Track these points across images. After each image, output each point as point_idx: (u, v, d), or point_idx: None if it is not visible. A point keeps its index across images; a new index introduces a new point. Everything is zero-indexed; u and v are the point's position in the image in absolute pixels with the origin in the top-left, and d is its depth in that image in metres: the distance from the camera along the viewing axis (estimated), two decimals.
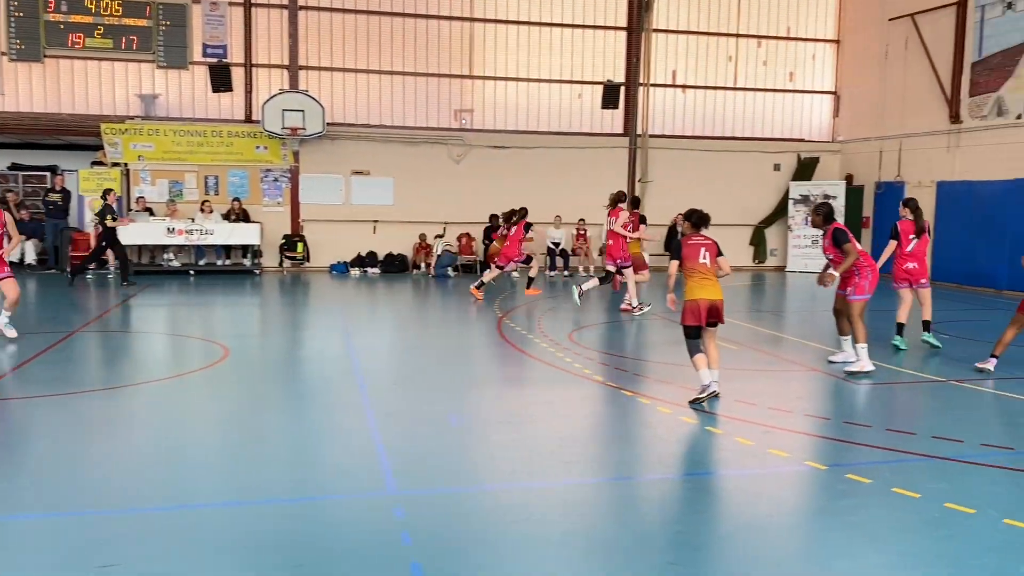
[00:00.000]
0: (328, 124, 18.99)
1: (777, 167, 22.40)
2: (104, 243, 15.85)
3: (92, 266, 16.60)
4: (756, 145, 22.27)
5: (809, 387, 8.58)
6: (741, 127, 22.54)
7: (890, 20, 20.43)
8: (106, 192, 15.98)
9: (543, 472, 5.60)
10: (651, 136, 21.54)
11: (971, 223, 17.84)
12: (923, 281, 10.65)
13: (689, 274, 7.55)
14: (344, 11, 19.85)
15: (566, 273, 19.63)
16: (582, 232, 20.30)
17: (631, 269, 13.36)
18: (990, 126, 17.66)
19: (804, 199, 21.43)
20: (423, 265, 19.39)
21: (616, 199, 13.31)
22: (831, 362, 9.37)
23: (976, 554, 4.31)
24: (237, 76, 19.13)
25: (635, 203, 14.50)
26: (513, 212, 15.40)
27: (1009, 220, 16.77)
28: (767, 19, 22.33)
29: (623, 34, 21.50)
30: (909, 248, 10.54)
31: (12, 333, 9.81)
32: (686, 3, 21.83)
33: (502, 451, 6.07)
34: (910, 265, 10.54)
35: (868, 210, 21.30)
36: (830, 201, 9.34)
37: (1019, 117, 16.47)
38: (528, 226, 15.22)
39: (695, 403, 7.30)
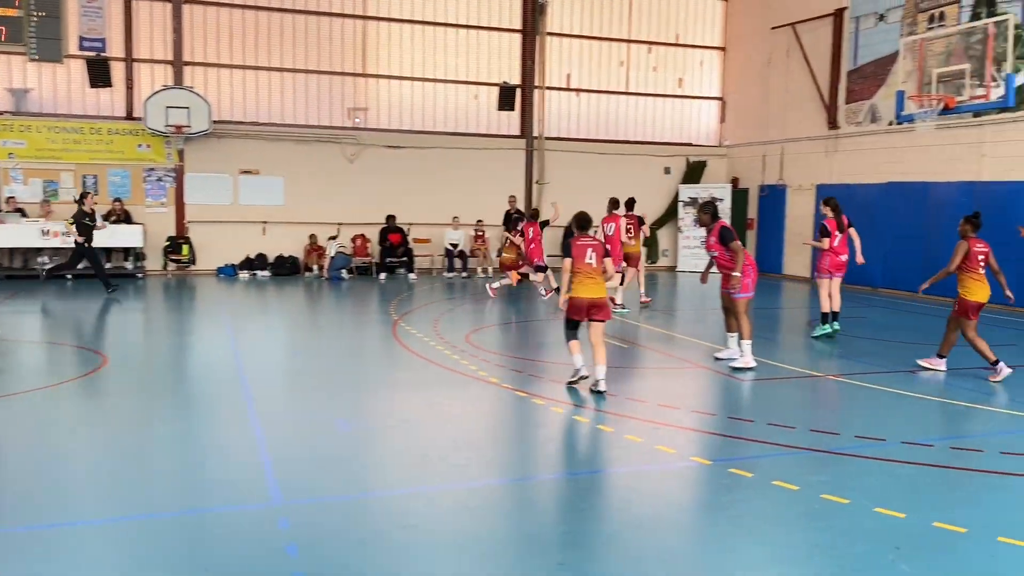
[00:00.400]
0: (215, 122, 18.35)
1: (667, 170, 22.99)
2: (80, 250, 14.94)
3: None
4: (648, 149, 22.80)
5: (697, 384, 8.80)
6: (633, 131, 23.03)
7: (772, 29, 21.28)
8: (83, 195, 14.99)
9: (434, 476, 5.54)
10: (547, 138, 21.75)
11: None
12: (842, 273, 11.50)
13: (575, 272, 7.89)
14: (231, 6, 19.23)
15: (464, 275, 19.59)
16: (480, 233, 20.31)
17: (633, 266, 14.23)
18: (865, 132, 18.60)
19: (693, 201, 22.07)
20: (315, 268, 18.99)
21: (613, 206, 14.01)
22: (717, 359, 9.63)
23: (850, 543, 4.49)
24: (117, 71, 18.26)
25: (629, 205, 14.64)
26: (521, 214, 15.80)
27: (882, 221, 17.70)
28: (657, 26, 22.90)
29: (518, 36, 21.63)
30: (836, 243, 11.32)
31: None
32: (579, 8, 22.15)
33: (393, 456, 5.98)
34: (843, 257, 11.37)
35: (753, 212, 22.11)
36: (715, 202, 9.78)
37: (891, 124, 17.40)
38: (544, 224, 15.57)
39: (570, 384, 7.97)
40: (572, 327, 8.03)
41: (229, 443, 6.23)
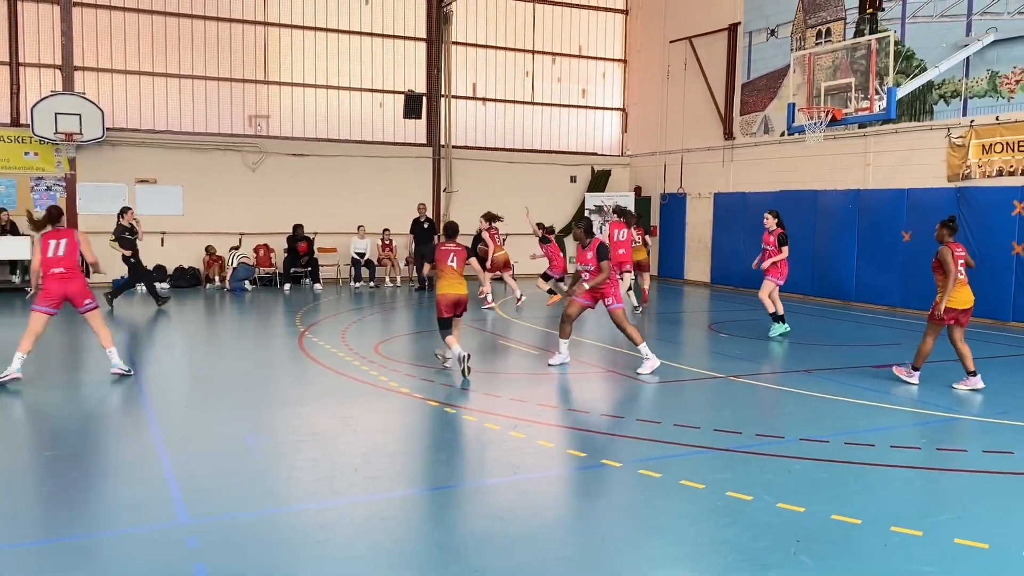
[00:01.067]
0: (109, 129, 17.65)
1: (573, 179, 23.39)
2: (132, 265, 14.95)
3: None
4: (554, 158, 23.14)
5: (605, 388, 8.97)
6: (539, 140, 23.34)
7: (671, 42, 21.93)
8: (122, 210, 14.98)
9: (346, 489, 5.48)
10: (455, 147, 21.81)
11: (744, 231, 19.44)
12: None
13: (440, 275, 9.18)
14: (125, 9, 18.57)
15: (372, 284, 19.39)
16: (387, 242, 20.15)
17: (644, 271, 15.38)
18: (758, 143, 19.37)
19: (598, 209, 22.49)
20: (217, 279, 18.47)
21: (619, 215, 14.65)
22: (551, 364, 9.66)
23: (754, 538, 4.67)
24: (1, 76, 17.37)
25: (627, 216, 15.03)
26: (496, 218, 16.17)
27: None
28: (560, 37, 23.29)
29: (423, 45, 21.63)
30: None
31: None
32: (484, 18, 22.33)
33: (303, 470, 5.88)
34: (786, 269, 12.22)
35: (655, 219, 22.70)
36: (591, 218, 10.22)
37: (783, 135, 18.17)
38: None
39: (464, 379, 8.67)
40: (445, 325, 9.18)
41: (130, 461, 6.01)
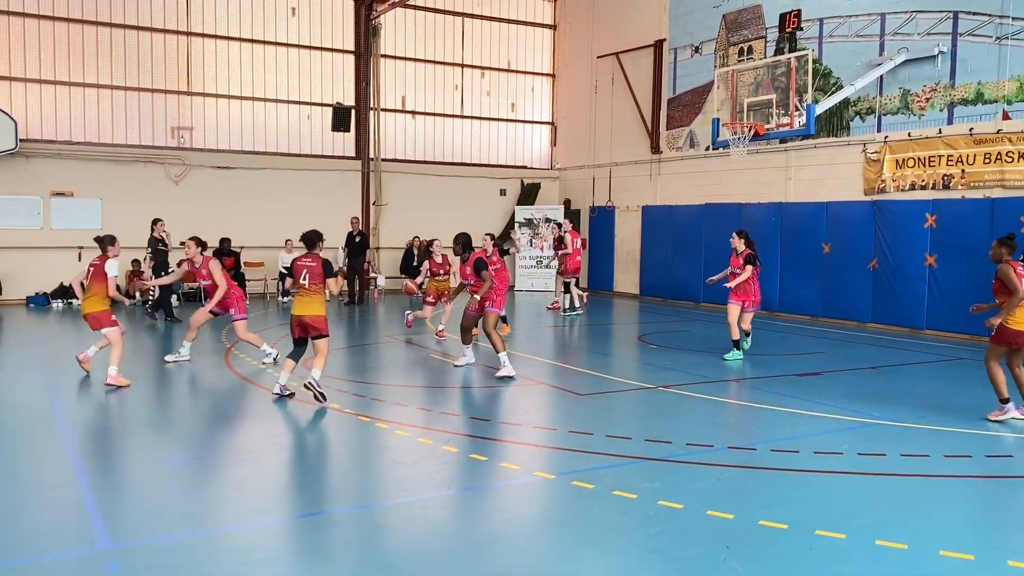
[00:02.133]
0: (21, 140, 17.01)
1: (503, 192, 23.49)
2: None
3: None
4: (484, 171, 23.21)
5: (537, 400, 9.00)
6: (469, 153, 23.38)
7: (598, 58, 22.27)
8: (154, 222, 15.13)
9: (276, 509, 5.37)
10: (384, 160, 21.67)
11: (672, 243, 19.83)
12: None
13: (298, 292, 8.40)
14: (39, 17, 17.93)
15: None
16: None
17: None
18: (684, 157, 19.78)
19: (528, 222, 22.63)
20: (138, 294, 17.91)
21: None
22: (456, 366, 10.39)
23: (685, 545, 4.74)
24: None
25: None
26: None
27: (702, 240, 18.84)
28: (489, 51, 23.42)
29: (352, 57, 21.47)
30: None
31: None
32: (413, 31, 22.30)
33: (231, 490, 5.74)
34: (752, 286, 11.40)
35: (585, 232, 22.94)
36: (468, 233, 10.08)
37: (708, 149, 18.60)
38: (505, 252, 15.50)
39: (279, 397, 8.31)
40: (296, 345, 8.47)
41: (48, 487, 5.76)
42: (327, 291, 8.39)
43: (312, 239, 8.48)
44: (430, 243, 14.05)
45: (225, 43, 19.92)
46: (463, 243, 10.15)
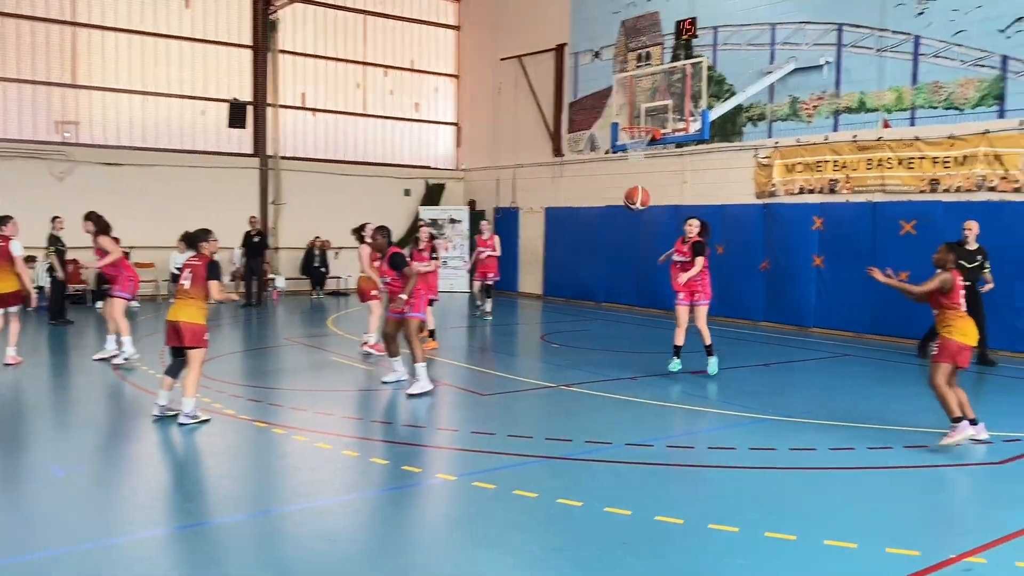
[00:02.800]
0: None
1: (407, 192, 23.32)
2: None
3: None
4: (387, 171, 22.98)
5: (440, 402, 8.93)
6: (372, 152, 23.10)
7: (501, 60, 22.37)
8: (53, 219, 14.11)
9: (165, 519, 5.17)
10: (283, 158, 21.18)
11: (574, 245, 20.08)
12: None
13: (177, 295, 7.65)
14: None
15: None
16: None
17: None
18: (586, 160, 20.07)
19: (433, 223, 22.50)
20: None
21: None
22: (384, 382, 9.39)
23: (584, 543, 4.79)
24: None
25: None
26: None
27: (603, 242, 19.17)
28: (392, 50, 23.20)
29: (249, 52, 20.89)
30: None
31: None
32: (313, 27, 21.88)
33: (118, 501, 5.49)
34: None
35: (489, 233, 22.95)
36: (385, 226, 9.18)
37: (607, 152, 18.92)
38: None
39: (156, 418, 7.48)
40: (174, 355, 7.56)
41: None
42: (211, 297, 7.52)
43: (194, 239, 7.69)
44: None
45: (114, 35, 19.08)
46: (387, 236, 9.18)
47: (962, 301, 7.06)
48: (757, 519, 5.23)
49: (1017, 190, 12.43)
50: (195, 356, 7.43)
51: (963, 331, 6.97)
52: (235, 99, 20.25)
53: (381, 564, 4.53)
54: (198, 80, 20.28)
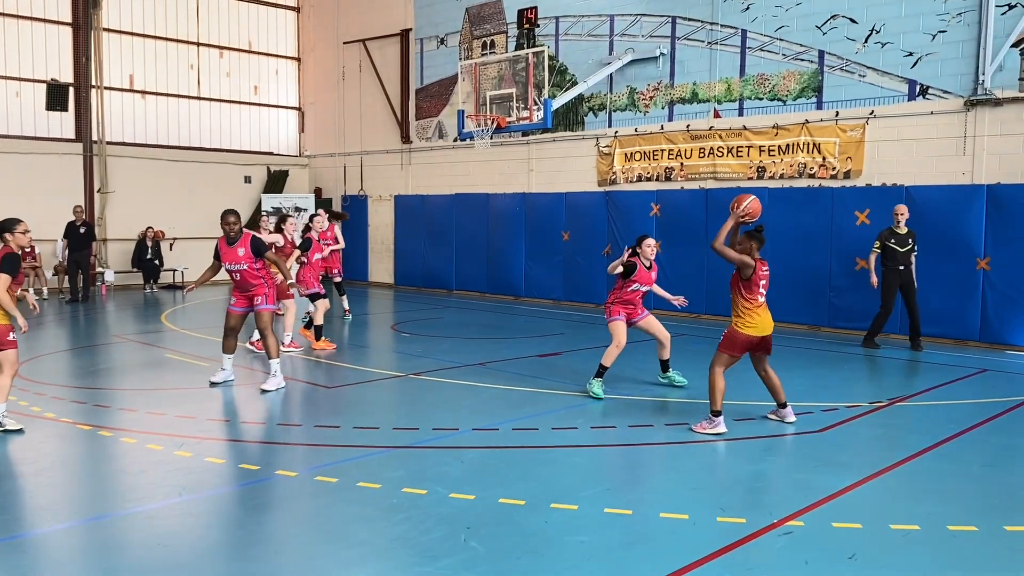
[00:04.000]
0: None
1: (248, 179, 22.42)
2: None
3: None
4: (225, 157, 22.00)
5: (283, 396, 8.66)
6: (209, 138, 22.05)
7: (345, 44, 21.88)
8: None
9: None
10: (109, 143, 19.86)
11: (425, 233, 19.98)
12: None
13: None
14: None
15: None
16: (30, 249, 17.77)
17: None
18: (434, 147, 19.99)
19: (276, 211, 21.77)
20: None
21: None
22: (212, 383, 8.77)
23: (427, 530, 4.78)
24: None
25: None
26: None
27: (453, 230, 19.18)
28: (228, 31, 22.19)
29: (68, 30, 19.43)
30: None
31: None
32: (140, 4, 20.59)
33: None
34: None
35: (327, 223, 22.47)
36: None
37: (455, 140, 18.92)
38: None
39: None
40: None
41: None
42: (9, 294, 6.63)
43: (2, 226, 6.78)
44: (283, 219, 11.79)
45: None
46: (237, 217, 8.51)
47: (761, 295, 6.92)
48: (597, 496, 5.38)
49: (834, 176, 13.40)
50: (6, 359, 6.78)
51: (754, 323, 6.89)
52: (53, 80, 18.79)
53: (217, 566, 4.35)
54: (11, 59, 18.67)
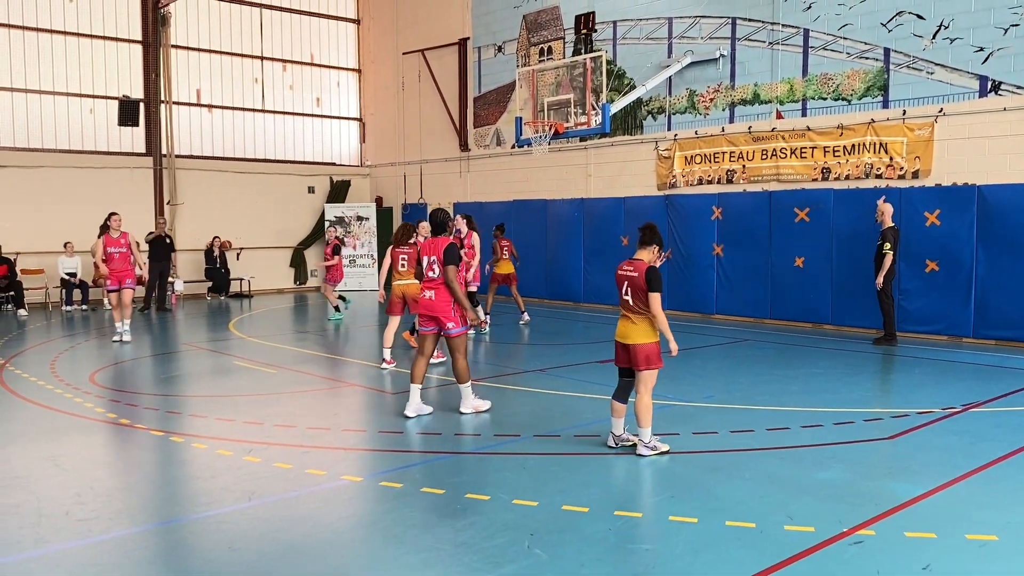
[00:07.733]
0: None
1: (311, 189, 22.86)
2: None
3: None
4: (289, 168, 22.48)
5: (348, 402, 8.82)
6: (273, 149, 22.55)
7: (404, 54, 22.16)
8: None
9: (53, 536, 4.91)
10: (178, 156, 20.46)
11: (485, 239, 20.02)
12: None
13: None
14: None
15: (84, 307, 17.61)
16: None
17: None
18: (492, 154, 20.09)
19: (340, 220, 22.16)
20: None
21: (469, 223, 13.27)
22: (406, 417, 7.77)
23: (490, 536, 4.79)
24: None
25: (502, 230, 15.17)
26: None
27: (512, 236, 19.15)
28: (291, 44, 22.68)
29: (139, 48, 20.09)
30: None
31: None
32: (207, 21, 21.19)
33: (1, 518, 5.19)
34: None
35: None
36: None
37: (513, 147, 18.99)
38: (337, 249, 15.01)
39: None
40: None
41: None
42: None
43: None
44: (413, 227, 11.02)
45: None
46: (440, 222, 7.85)
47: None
48: (661, 504, 5.33)
49: (902, 176, 13.05)
50: None
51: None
52: (125, 96, 19.44)
53: (285, 570, 4.42)
54: (85, 77, 19.38)
